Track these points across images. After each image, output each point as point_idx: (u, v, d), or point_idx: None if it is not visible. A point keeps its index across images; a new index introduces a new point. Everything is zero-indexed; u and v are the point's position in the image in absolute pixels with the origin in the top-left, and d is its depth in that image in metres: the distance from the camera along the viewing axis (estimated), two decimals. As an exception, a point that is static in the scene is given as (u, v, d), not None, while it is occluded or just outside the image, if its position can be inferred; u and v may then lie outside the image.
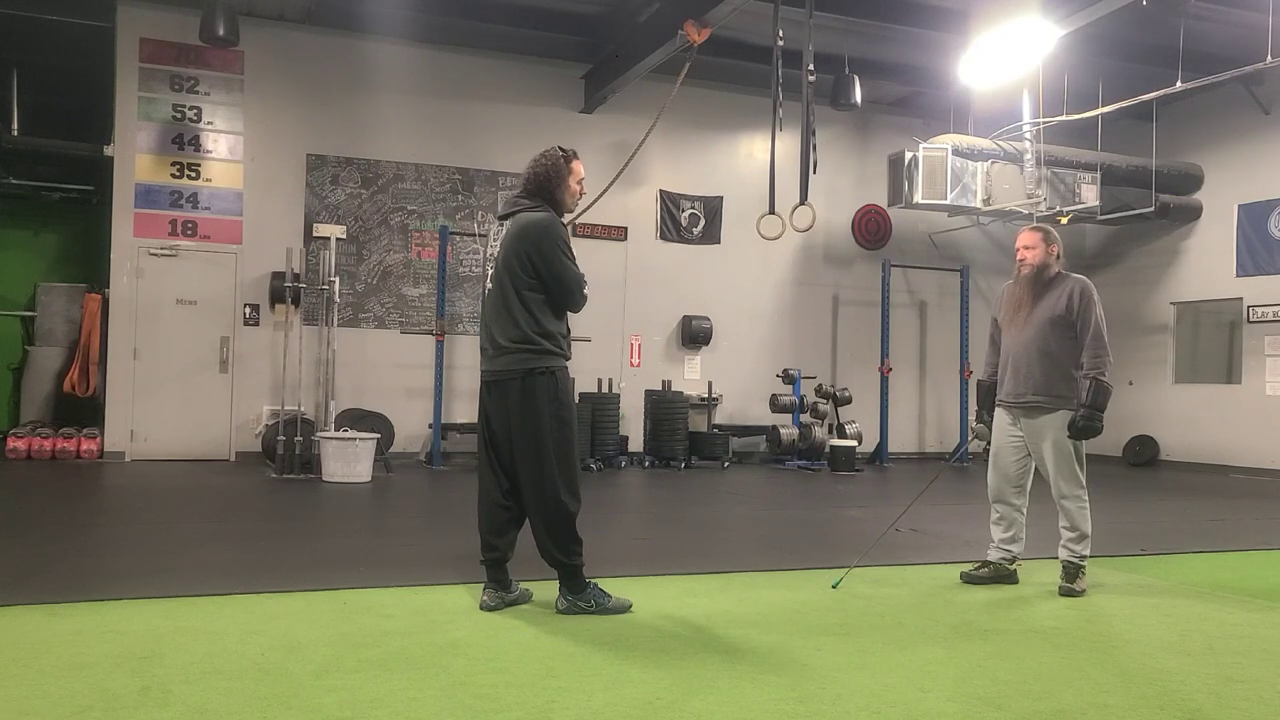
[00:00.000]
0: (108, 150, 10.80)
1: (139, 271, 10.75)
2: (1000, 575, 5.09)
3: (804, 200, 10.20)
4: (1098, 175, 12.53)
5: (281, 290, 10.18)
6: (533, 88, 12.19)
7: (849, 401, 12.15)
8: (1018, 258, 5.10)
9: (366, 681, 3.19)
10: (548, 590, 4.31)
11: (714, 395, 12.51)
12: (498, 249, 4.25)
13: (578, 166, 4.34)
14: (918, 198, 11.93)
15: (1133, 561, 5.90)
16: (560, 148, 4.33)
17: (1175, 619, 4.41)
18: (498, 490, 4.26)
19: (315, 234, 11.24)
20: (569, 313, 4.31)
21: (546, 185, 4.27)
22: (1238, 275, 12.86)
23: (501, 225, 4.32)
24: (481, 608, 4.19)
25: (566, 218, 4.37)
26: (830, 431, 12.16)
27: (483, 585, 4.29)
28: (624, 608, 4.22)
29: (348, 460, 9.04)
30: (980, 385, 5.39)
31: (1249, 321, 12.70)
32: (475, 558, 4.33)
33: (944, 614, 4.40)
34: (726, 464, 11.89)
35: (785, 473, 11.48)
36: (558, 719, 2.91)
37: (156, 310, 10.78)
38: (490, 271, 4.26)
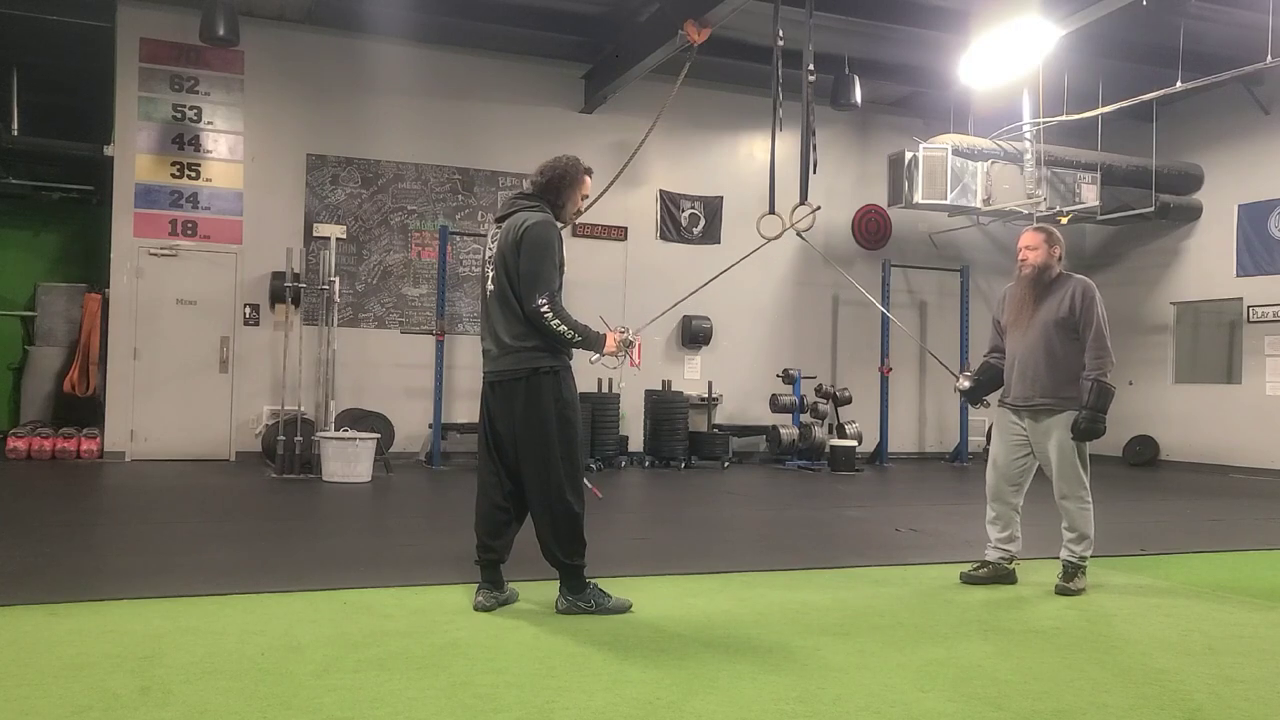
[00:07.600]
0: (108, 150, 10.80)
1: (139, 271, 10.75)
2: (999, 575, 5.09)
3: (804, 200, 10.19)
4: (1098, 175, 12.51)
5: (281, 290, 10.18)
6: (533, 88, 12.19)
7: (849, 401, 12.15)
8: (1019, 258, 5.09)
9: (366, 681, 3.19)
10: (547, 590, 4.31)
11: (714, 395, 12.51)
12: (494, 250, 4.24)
13: (588, 182, 4.37)
14: (918, 198, 11.92)
15: (1133, 561, 5.90)
16: (578, 158, 4.34)
17: (1175, 619, 4.41)
18: (499, 493, 4.25)
19: (315, 234, 11.23)
20: (525, 312, 4.04)
21: (557, 187, 4.28)
22: (1238, 275, 12.86)
23: (499, 226, 4.30)
24: (476, 608, 4.19)
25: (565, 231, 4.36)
26: (830, 431, 12.15)
27: (476, 586, 4.29)
28: (624, 608, 4.22)
29: (348, 460, 9.04)
30: (983, 363, 5.40)
31: (1249, 321, 12.70)
32: (474, 557, 4.32)
33: (944, 614, 4.40)
34: (726, 464, 11.88)
35: (785, 473, 11.48)
36: (558, 719, 2.91)
37: (156, 310, 10.78)
38: (490, 273, 4.25)
